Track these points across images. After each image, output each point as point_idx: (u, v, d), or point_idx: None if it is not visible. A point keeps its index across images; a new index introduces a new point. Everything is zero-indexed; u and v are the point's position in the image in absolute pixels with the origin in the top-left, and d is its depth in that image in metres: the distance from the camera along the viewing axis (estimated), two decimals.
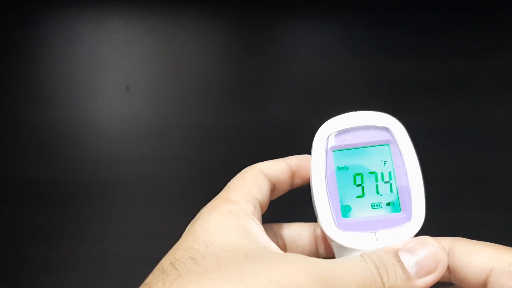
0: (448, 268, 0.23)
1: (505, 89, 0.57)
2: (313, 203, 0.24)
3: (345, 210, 0.23)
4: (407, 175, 0.23)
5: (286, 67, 0.58)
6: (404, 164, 0.24)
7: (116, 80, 0.58)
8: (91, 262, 0.57)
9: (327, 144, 0.24)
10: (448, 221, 0.55)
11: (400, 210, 0.23)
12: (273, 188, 0.28)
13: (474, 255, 0.23)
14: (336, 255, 0.24)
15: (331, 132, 0.25)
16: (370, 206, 0.23)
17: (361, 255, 0.21)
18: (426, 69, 0.58)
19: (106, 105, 0.58)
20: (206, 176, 0.58)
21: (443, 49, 0.58)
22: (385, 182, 0.24)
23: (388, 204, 0.23)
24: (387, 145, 0.24)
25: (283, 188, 0.28)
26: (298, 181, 0.29)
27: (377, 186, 0.24)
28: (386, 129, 0.24)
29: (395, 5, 0.57)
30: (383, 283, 0.20)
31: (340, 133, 0.25)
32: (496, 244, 0.23)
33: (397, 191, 0.23)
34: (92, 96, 0.58)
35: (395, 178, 0.24)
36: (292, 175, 0.29)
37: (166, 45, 0.59)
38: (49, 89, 0.58)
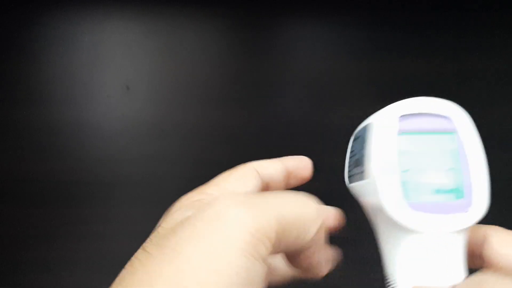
0: (482, 257, 0.23)
1: (505, 88, 0.57)
2: (366, 184, 0.24)
3: (408, 191, 0.23)
4: (472, 164, 0.23)
5: (287, 67, 0.58)
6: (469, 154, 0.24)
7: (116, 80, 0.58)
8: (91, 262, 0.57)
9: (393, 127, 0.24)
10: None
11: (463, 196, 0.23)
12: (266, 187, 0.28)
13: (509, 247, 0.23)
14: (385, 237, 0.24)
15: (395, 116, 0.24)
16: (433, 190, 0.23)
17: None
18: (426, 69, 0.58)
19: (106, 105, 0.58)
20: (206, 176, 0.58)
21: (443, 49, 0.58)
22: (449, 169, 0.23)
23: (451, 190, 0.23)
24: (453, 133, 0.24)
25: (277, 188, 0.28)
26: (293, 182, 0.29)
27: (441, 172, 0.23)
28: (451, 118, 0.24)
29: (395, 5, 0.58)
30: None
31: (404, 117, 0.24)
32: None
33: (461, 179, 0.23)
34: (92, 96, 0.58)
35: (459, 166, 0.24)
36: (288, 176, 0.29)
37: (166, 45, 0.59)
38: (49, 89, 0.58)
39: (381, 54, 0.58)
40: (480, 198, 0.23)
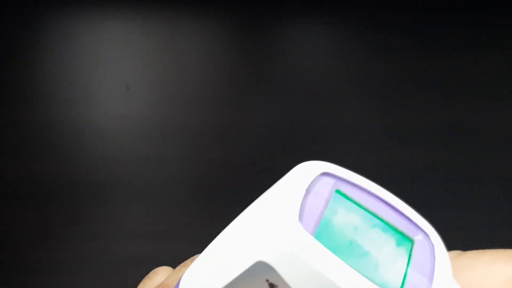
0: None
1: (505, 89, 0.57)
2: None
3: None
4: (377, 201, 0.18)
5: (287, 68, 0.58)
6: (364, 193, 0.18)
7: (116, 80, 0.58)
8: (91, 261, 0.57)
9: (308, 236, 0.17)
10: (448, 221, 0.55)
11: (412, 242, 0.18)
12: None
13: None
14: None
15: (296, 217, 0.16)
16: (392, 263, 0.17)
17: None
18: (424, 69, 0.58)
19: (106, 105, 0.58)
20: (206, 176, 0.58)
21: (443, 49, 0.58)
22: (373, 227, 0.18)
23: (397, 245, 0.17)
24: (337, 191, 0.18)
25: None
26: None
27: (372, 238, 0.17)
28: (323, 174, 0.18)
29: (394, 6, 0.58)
30: None
31: (300, 212, 0.17)
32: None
33: (389, 225, 0.18)
34: (92, 96, 0.58)
35: (372, 214, 0.18)
36: None
37: (166, 45, 0.59)
38: (49, 89, 0.58)
39: (381, 54, 0.58)
40: (422, 223, 0.18)
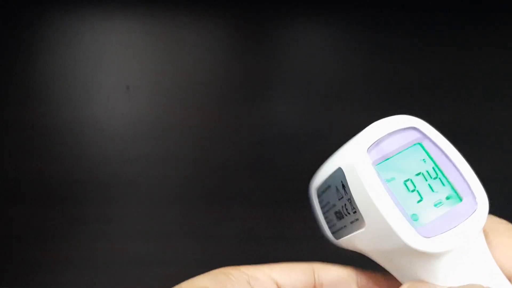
0: None
1: (505, 89, 0.57)
2: (374, 232, 0.23)
3: (415, 219, 0.22)
4: (450, 164, 0.23)
5: (288, 67, 0.58)
6: (443, 155, 0.24)
7: (116, 80, 0.58)
8: (91, 261, 0.57)
9: (368, 159, 0.23)
10: None
11: (461, 200, 0.23)
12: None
13: (504, 250, 0.23)
14: (417, 266, 0.23)
15: (366, 147, 0.23)
16: (432, 206, 0.23)
17: None
18: (424, 69, 0.58)
19: (106, 105, 0.58)
20: (206, 176, 0.58)
21: (443, 49, 0.58)
22: (434, 178, 0.23)
23: (447, 197, 0.23)
24: (419, 143, 0.24)
25: None
26: None
27: (429, 185, 0.23)
28: (412, 128, 0.24)
29: (395, 5, 0.58)
30: None
31: (372, 147, 0.23)
32: None
33: (449, 183, 0.23)
34: (92, 96, 0.58)
35: (441, 171, 0.23)
36: None
37: (166, 45, 0.59)
38: (49, 89, 0.58)
39: (382, 54, 0.58)
40: (478, 190, 0.23)
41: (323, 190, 0.27)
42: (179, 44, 0.59)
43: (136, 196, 0.58)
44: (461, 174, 0.23)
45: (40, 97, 0.58)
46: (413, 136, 0.24)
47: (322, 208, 0.28)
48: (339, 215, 0.25)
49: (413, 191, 0.23)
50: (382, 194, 0.22)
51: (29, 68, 0.58)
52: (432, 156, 0.24)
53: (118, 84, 0.58)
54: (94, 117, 0.58)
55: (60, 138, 0.58)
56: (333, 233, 0.27)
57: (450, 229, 0.22)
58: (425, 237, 0.22)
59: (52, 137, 0.58)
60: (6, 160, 0.58)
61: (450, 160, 0.23)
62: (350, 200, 0.23)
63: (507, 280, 0.22)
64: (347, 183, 0.23)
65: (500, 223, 0.24)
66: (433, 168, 0.23)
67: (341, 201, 0.24)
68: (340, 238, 0.26)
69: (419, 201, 0.23)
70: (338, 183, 0.24)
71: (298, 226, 0.56)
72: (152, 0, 0.58)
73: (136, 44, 0.59)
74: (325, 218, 0.28)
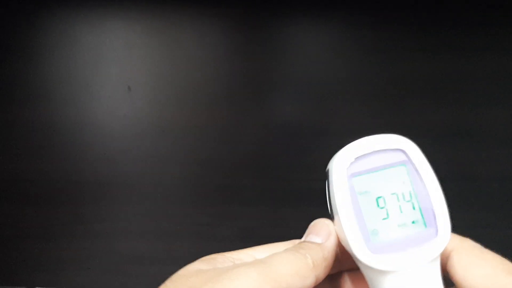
0: (449, 272, 0.24)
1: (504, 89, 0.57)
2: (339, 232, 0.24)
3: (373, 234, 0.23)
4: (427, 192, 0.24)
5: (288, 68, 0.58)
6: (422, 182, 0.24)
7: (118, 81, 0.59)
8: (92, 260, 0.58)
9: (346, 171, 0.24)
10: None
11: (426, 227, 0.24)
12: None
13: (470, 271, 0.23)
14: (368, 279, 0.24)
15: (348, 159, 0.24)
16: (396, 226, 0.24)
17: (289, 249, 0.24)
18: (425, 69, 0.58)
19: (108, 105, 0.58)
20: (208, 176, 0.58)
21: (443, 50, 0.58)
22: (407, 201, 0.24)
23: (413, 222, 0.24)
24: (404, 165, 0.24)
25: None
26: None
27: (399, 206, 0.24)
28: (400, 150, 0.25)
29: (395, 6, 0.58)
30: (310, 260, 0.23)
31: (357, 159, 0.24)
32: (499, 260, 0.23)
33: (419, 208, 0.24)
34: (94, 96, 0.59)
35: (416, 196, 0.24)
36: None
37: (167, 46, 0.59)
38: (52, 89, 0.59)
39: (382, 54, 0.58)
40: (443, 222, 0.23)
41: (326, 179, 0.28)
42: (180, 45, 0.59)
43: (137, 195, 0.58)
44: (432, 204, 0.24)
45: (42, 98, 0.59)
46: (399, 157, 0.24)
47: (326, 191, 0.30)
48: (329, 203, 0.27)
49: (382, 208, 0.24)
50: (346, 204, 0.23)
51: (31, 68, 0.58)
52: (412, 180, 0.24)
53: (120, 84, 0.59)
54: (96, 117, 0.58)
55: (61, 138, 0.58)
56: (330, 213, 0.29)
57: (402, 251, 0.23)
58: (373, 252, 0.23)
59: (54, 137, 0.58)
60: (7, 160, 0.58)
61: (427, 188, 0.24)
62: (329, 198, 0.25)
63: None
64: (327, 184, 0.25)
65: (466, 242, 0.24)
66: (409, 191, 0.24)
67: (328, 195, 0.26)
68: (332, 220, 0.28)
69: (384, 219, 0.24)
70: (327, 181, 0.26)
71: (298, 226, 0.56)
72: (153, 2, 0.58)
73: (138, 45, 0.59)
74: (327, 199, 0.29)
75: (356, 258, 0.23)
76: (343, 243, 0.24)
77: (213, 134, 0.58)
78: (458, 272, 0.23)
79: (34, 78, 0.59)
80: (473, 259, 0.23)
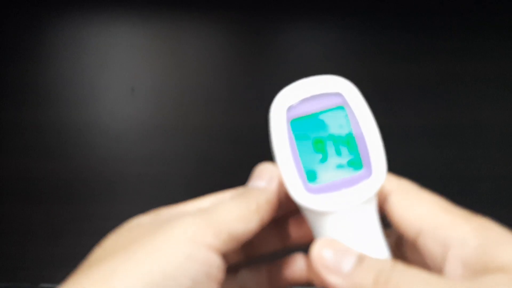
0: (386, 213, 0.24)
1: (501, 89, 0.58)
2: (279, 175, 0.24)
3: (311, 175, 0.24)
4: (363, 134, 0.24)
5: (288, 70, 0.59)
6: (359, 124, 0.24)
7: (122, 82, 0.59)
8: None
9: (284, 115, 0.24)
10: None
11: (362, 167, 0.24)
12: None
13: (406, 210, 0.23)
14: (308, 221, 0.25)
15: (286, 102, 0.25)
16: (334, 168, 0.24)
17: (232, 196, 0.24)
18: (423, 70, 0.58)
19: (112, 106, 0.59)
20: (210, 175, 0.59)
21: (440, 50, 0.58)
22: (344, 144, 0.24)
23: (349, 163, 0.24)
24: (342, 107, 0.24)
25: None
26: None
27: (337, 148, 0.24)
28: (339, 93, 0.25)
29: (393, 8, 0.58)
30: (254, 204, 0.23)
31: (296, 102, 0.25)
32: (436, 199, 0.23)
33: (357, 150, 0.24)
34: (98, 97, 0.59)
35: (353, 138, 0.24)
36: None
37: (171, 48, 0.59)
38: (57, 91, 0.59)
39: (379, 55, 0.58)
40: (378, 163, 0.23)
41: None
42: (183, 47, 0.59)
43: (140, 194, 0.59)
44: (368, 146, 0.24)
45: (48, 99, 0.59)
46: (337, 99, 0.24)
47: None
48: None
49: (319, 151, 0.24)
50: (283, 147, 0.24)
51: (37, 70, 0.59)
52: (351, 122, 0.24)
53: (123, 86, 0.59)
54: (100, 118, 0.59)
55: (67, 138, 0.59)
56: None
57: (337, 191, 0.23)
58: (310, 193, 0.23)
59: (59, 137, 0.59)
60: (14, 159, 0.59)
61: (364, 130, 0.24)
62: (271, 145, 0.25)
63: (386, 249, 0.23)
64: (269, 128, 0.25)
65: (403, 183, 0.24)
66: (346, 134, 0.24)
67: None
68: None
69: (322, 161, 0.24)
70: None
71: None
72: (156, 5, 0.59)
73: (141, 47, 0.59)
74: None
75: (293, 199, 0.23)
76: (284, 186, 0.24)
77: (215, 134, 0.59)
78: (396, 212, 0.23)
79: (40, 80, 0.59)
80: (410, 199, 0.23)
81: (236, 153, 0.59)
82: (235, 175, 0.60)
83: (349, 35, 0.59)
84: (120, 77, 0.59)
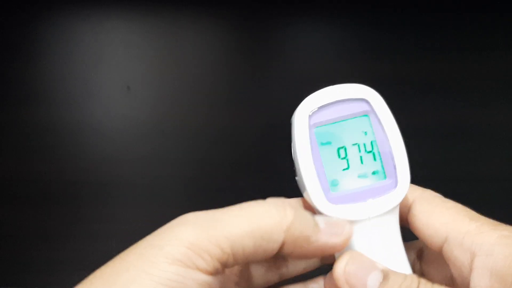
0: (410, 223, 0.24)
1: (502, 89, 0.58)
2: (299, 182, 0.24)
3: (333, 184, 0.24)
4: (388, 143, 0.24)
5: (286, 68, 0.58)
6: (384, 133, 0.24)
7: (117, 80, 0.59)
8: (91, 261, 0.57)
9: (308, 121, 0.24)
10: None
11: (385, 178, 0.24)
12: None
13: (431, 218, 0.23)
14: None
15: (311, 109, 0.24)
16: (356, 177, 0.24)
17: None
18: (424, 69, 0.58)
19: (106, 105, 0.58)
20: (206, 176, 0.58)
21: (442, 50, 0.58)
22: (368, 152, 0.24)
23: (373, 173, 0.24)
24: (366, 115, 0.24)
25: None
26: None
27: (360, 157, 0.24)
28: (364, 100, 0.25)
29: (393, 6, 0.58)
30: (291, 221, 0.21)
31: (320, 109, 0.24)
32: (460, 208, 0.23)
33: (380, 160, 0.24)
34: (93, 96, 0.59)
35: (377, 147, 0.24)
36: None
37: (167, 45, 0.59)
38: (50, 89, 0.59)
39: (380, 54, 0.58)
40: (403, 173, 0.24)
41: None
42: (180, 44, 0.59)
43: (136, 196, 0.58)
44: (392, 155, 0.24)
45: (41, 98, 0.58)
46: (362, 107, 0.24)
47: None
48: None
49: (343, 158, 0.24)
50: (306, 154, 0.23)
51: (30, 68, 0.58)
52: (374, 130, 0.24)
53: (119, 84, 0.59)
54: (95, 118, 0.58)
55: (59, 137, 0.58)
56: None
57: (360, 201, 0.23)
58: (332, 203, 0.23)
59: (52, 136, 0.58)
60: (4, 160, 0.58)
61: (389, 139, 0.24)
62: (293, 151, 0.25)
63: (407, 262, 0.23)
64: (291, 136, 0.25)
65: (427, 192, 0.24)
66: (371, 142, 0.24)
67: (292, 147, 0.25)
68: (295, 177, 0.27)
69: (345, 169, 0.24)
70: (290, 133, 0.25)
71: None
72: (152, 2, 0.58)
73: (137, 45, 0.59)
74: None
75: (315, 208, 0.23)
76: (305, 195, 0.24)
77: (213, 135, 0.58)
78: (420, 220, 0.23)
79: (32, 78, 0.59)
80: (435, 207, 0.23)
81: (235, 153, 0.58)
82: (234, 176, 0.60)
83: (352, 32, 0.59)
84: (115, 75, 0.59)
